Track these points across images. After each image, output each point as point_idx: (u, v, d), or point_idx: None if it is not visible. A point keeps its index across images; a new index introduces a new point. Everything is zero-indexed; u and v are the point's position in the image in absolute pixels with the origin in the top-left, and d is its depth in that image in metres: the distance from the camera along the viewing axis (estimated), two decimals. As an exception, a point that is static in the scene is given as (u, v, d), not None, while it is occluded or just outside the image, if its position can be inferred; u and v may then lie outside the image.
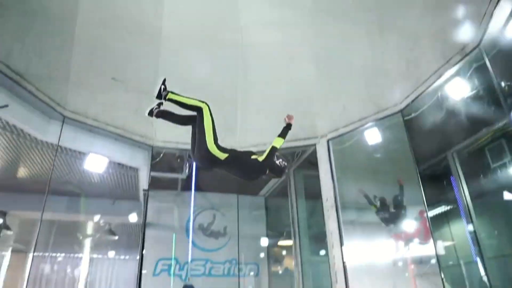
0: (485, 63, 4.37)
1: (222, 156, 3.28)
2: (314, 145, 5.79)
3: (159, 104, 3.40)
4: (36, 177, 6.92)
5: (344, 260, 5.02)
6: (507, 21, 4.01)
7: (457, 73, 4.72)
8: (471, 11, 4.21)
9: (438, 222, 7.08)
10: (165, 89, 3.41)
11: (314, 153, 5.81)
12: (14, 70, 4.39)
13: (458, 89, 4.93)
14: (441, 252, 6.87)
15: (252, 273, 7.12)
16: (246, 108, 5.67)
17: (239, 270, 6.26)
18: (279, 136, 3.58)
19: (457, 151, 6.36)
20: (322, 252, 5.78)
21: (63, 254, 13.74)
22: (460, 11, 4.34)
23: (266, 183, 7.23)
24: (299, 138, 5.84)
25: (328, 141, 5.70)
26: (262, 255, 7.36)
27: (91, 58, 5.09)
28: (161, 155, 5.71)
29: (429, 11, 4.40)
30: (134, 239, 7.16)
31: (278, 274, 7.62)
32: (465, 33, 4.38)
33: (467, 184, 6.17)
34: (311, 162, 6.01)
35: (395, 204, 6.22)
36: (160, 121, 5.69)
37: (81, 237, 10.61)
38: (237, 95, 5.65)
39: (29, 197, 7.45)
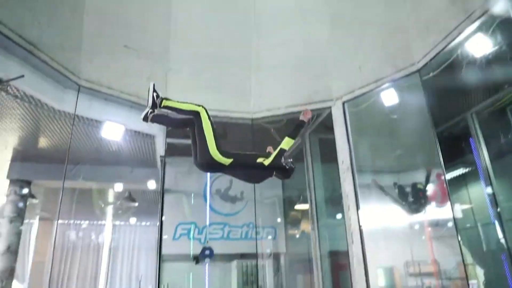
0: (509, 17, 4.16)
1: (226, 161, 3.14)
2: (330, 108, 5.71)
3: (153, 109, 3.21)
4: (57, 146, 7.08)
5: (360, 223, 5.04)
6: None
7: (478, 29, 4.51)
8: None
9: (456, 184, 7.01)
10: (158, 96, 3.21)
11: (329, 116, 5.74)
12: (27, 39, 4.40)
13: (480, 46, 4.74)
14: (458, 214, 6.85)
15: (269, 237, 7.27)
16: (259, 72, 5.60)
17: (256, 233, 6.38)
18: (289, 136, 3.29)
19: (477, 111, 6.20)
20: (339, 216, 5.82)
21: (87, 222, 14.27)
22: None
23: (281, 147, 7.22)
24: (314, 101, 5.77)
25: (343, 104, 5.61)
26: (279, 219, 7.47)
27: (102, 26, 5.06)
28: (176, 121, 5.71)
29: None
30: (154, 206, 7.33)
31: (295, 237, 7.75)
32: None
33: (486, 145, 6.05)
34: (327, 126, 5.95)
35: (416, 192, 6.16)
36: (174, 89, 5.72)
37: (102, 205, 10.94)
38: (250, 58, 5.58)
39: (51, 167, 7.68)
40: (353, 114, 5.62)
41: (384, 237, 6.15)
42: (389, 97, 5.42)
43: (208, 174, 6.57)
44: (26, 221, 11.56)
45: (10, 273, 7.62)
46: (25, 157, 7.77)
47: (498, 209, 5.82)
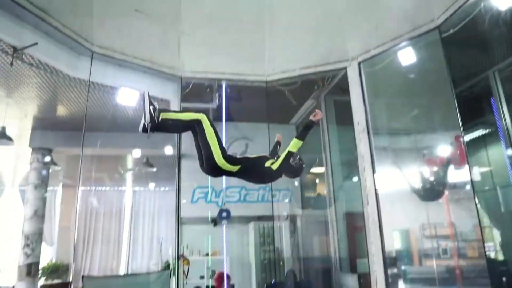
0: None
1: (233, 169, 3.05)
2: (345, 68, 5.59)
3: (152, 123, 2.93)
4: (74, 114, 7.20)
5: (376, 185, 5.04)
6: None
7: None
8: None
9: (475, 146, 6.90)
10: (154, 108, 2.93)
11: (345, 77, 5.63)
12: (37, 5, 4.38)
13: (505, -1, 4.50)
14: (477, 177, 6.78)
15: (286, 199, 7.37)
16: (273, 33, 5.48)
17: (272, 196, 6.47)
18: (297, 137, 3.17)
19: (499, 70, 5.97)
20: (355, 179, 5.83)
21: (107, 188, 14.70)
22: None
23: (296, 110, 7.18)
24: (329, 62, 5.65)
25: (359, 64, 5.47)
26: (296, 183, 7.53)
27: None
28: (190, 85, 5.71)
29: None
30: (172, 171, 7.45)
31: (311, 200, 7.84)
32: None
33: (508, 105, 5.86)
34: (342, 88, 5.85)
35: (434, 180, 6.06)
36: (187, 54, 5.67)
37: (122, 171, 11.21)
38: (264, 20, 5.44)
39: (70, 134, 7.85)
40: (369, 75, 5.49)
41: (400, 200, 6.16)
42: (407, 56, 5.25)
43: (224, 139, 6.60)
44: (50, 188, 11.98)
45: (39, 236, 7.99)
46: (45, 125, 7.94)
47: (518, 171, 5.73)
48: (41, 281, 10.24)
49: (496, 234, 6.58)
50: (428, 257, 6.91)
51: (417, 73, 5.59)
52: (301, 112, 7.22)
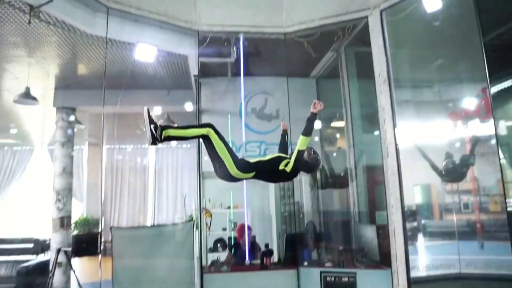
0: None
1: (248, 176, 3.14)
2: (366, 17, 5.37)
3: (155, 143, 2.84)
4: (94, 72, 7.28)
5: (396, 138, 4.97)
6: None
7: None
8: None
9: (502, 98, 6.67)
10: (156, 126, 2.82)
11: (365, 27, 5.42)
12: (51, -39, 4.33)
13: None
14: (503, 131, 6.60)
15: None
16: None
17: (291, 150, 6.45)
18: (303, 134, 3.10)
19: (533, 15, 5.62)
20: (375, 133, 5.77)
21: (131, 146, 15.08)
22: None
23: (316, 63, 7.03)
24: (349, 11, 5.43)
25: (381, 12, 5.22)
26: (316, 138, 7.52)
27: None
28: (208, 39, 5.64)
29: None
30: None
31: (331, 154, 7.85)
32: None
33: (541, 55, 5.58)
34: (363, 39, 5.65)
35: (462, 164, 5.87)
36: (203, 6, 5.56)
37: (144, 129, 11.40)
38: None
39: (91, 93, 7.98)
40: (391, 24, 5.27)
41: (422, 155, 6.09)
42: (432, 3, 4.98)
43: (242, 93, 6.58)
44: (76, 147, 12.37)
45: (69, 191, 8.37)
46: (67, 84, 8.08)
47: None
48: (74, 233, 10.85)
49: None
50: (449, 211, 6.93)
51: (443, 20, 5.31)
52: (321, 65, 7.06)
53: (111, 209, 14.63)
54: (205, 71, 6.40)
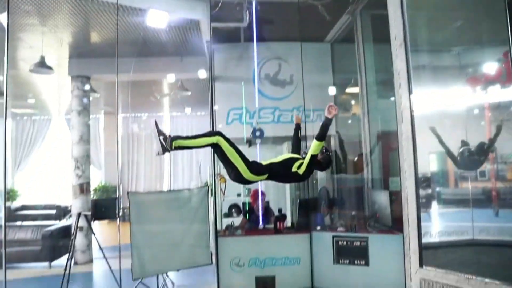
0: None
1: (262, 178, 3.21)
2: (383, -23, 5.16)
3: (165, 152, 2.89)
4: (107, 40, 7.26)
5: (412, 103, 4.87)
6: None
7: None
8: None
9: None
10: (165, 138, 2.85)
11: (382, -12, 5.22)
12: None
13: None
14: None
15: (319, 120, 7.35)
16: None
17: (305, 116, 6.44)
18: (317, 139, 3.07)
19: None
20: (391, 98, 5.67)
21: (146, 114, 15.22)
22: None
23: (331, 27, 6.84)
24: (365, -29, 5.24)
25: (399, -29, 5.02)
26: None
27: None
28: (220, 4, 5.53)
29: None
30: (207, 95, 7.55)
31: (346, 120, 7.79)
32: None
33: None
34: (379, 1, 5.45)
35: (478, 150, 5.65)
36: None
37: (158, 96, 11.48)
38: None
39: (104, 61, 8.00)
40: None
41: (439, 122, 5.98)
42: (453, -41, 4.75)
43: (256, 59, 6.51)
44: (92, 116, 12.55)
45: (87, 159, 8.57)
46: (81, 53, 8.11)
47: None
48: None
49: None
50: (464, 179, 6.86)
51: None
52: (336, 29, 6.87)
53: (129, 176, 15.00)
54: (218, 37, 6.32)
